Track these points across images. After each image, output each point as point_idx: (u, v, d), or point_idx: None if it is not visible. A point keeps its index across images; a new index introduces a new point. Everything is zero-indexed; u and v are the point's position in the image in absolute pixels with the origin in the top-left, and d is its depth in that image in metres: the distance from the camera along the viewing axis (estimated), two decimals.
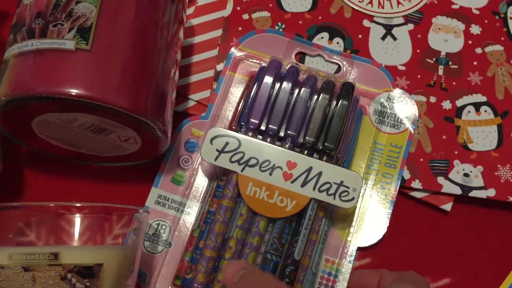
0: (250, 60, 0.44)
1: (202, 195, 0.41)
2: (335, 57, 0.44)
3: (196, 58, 0.46)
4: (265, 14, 0.46)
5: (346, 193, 0.37)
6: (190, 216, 0.40)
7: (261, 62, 0.44)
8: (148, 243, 0.40)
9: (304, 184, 0.37)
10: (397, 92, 0.43)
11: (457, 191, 0.42)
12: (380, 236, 0.40)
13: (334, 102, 0.40)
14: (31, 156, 0.43)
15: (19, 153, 0.44)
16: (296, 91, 0.41)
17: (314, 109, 0.40)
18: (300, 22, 0.46)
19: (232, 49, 0.44)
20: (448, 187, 0.42)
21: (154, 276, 0.39)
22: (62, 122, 0.36)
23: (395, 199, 0.41)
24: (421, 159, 0.42)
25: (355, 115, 0.41)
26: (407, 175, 0.42)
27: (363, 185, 0.41)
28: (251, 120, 0.40)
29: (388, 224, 0.40)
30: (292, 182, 0.38)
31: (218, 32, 0.46)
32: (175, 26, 0.39)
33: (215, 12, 0.47)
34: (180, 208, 0.40)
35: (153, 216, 0.40)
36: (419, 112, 0.44)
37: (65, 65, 0.33)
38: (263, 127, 0.40)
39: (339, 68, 0.44)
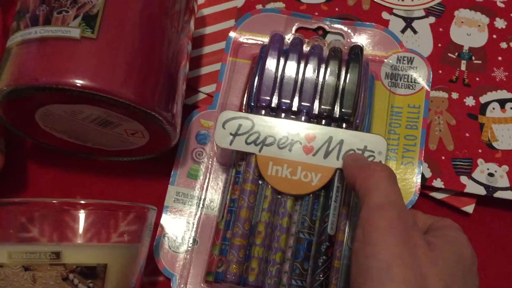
0: (250, 42, 0.43)
1: (222, 186, 0.39)
2: (337, 26, 0.43)
3: (207, 49, 0.44)
4: (280, 5, 0.45)
5: (372, 158, 0.36)
6: (212, 209, 0.39)
7: (263, 42, 0.42)
8: (173, 243, 0.38)
9: (326, 155, 0.36)
10: (406, 52, 0.42)
11: (481, 191, 0.40)
12: (415, 199, 0.38)
13: (344, 68, 0.39)
14: (36, 150, 0.42)
15: (23, 146, 0.42)
16: (303, 62, 0.40)
17: (325, 78, 0.39)
18: (316, 13, 0.44)
19: (230, 34, 0.43)
20: (471, 187, 0.40)
21: (183, 277, 0.38)
22: (67, 114, 0.34)
23: (422, 160, 0.39)
24: (443, 157, 0.41)
25: (367, 80, 0.40)
26: (428, 173, 0.40)
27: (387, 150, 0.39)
28: (262, 97, 0.38)
29: (419, 186, 0.39)
30: (313, 155, 0.36)
31: (230, 23, 0.45)
32: (186, 15, 0.38)
33: (228, 2, 0.45)
34: (201, 202, 0.39)
35: (174, 214, 0.39)
36: (440, 109, 0.42)
37: (69, 54, 0.31)
38: (274, 103, 0.39)
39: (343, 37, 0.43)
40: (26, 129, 0.37)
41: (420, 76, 0.41)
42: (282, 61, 0.39)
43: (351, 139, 0.36)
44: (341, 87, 0.39)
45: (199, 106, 0.42)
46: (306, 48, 0.41)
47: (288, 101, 0.38)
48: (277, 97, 0.39)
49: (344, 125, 0.38)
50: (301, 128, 0.37)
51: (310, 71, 0.39)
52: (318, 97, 0.39)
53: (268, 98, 0.39)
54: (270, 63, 0.39)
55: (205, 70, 0.43)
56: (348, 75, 0.39)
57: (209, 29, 0.45)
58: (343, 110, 0.38)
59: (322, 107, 0.38)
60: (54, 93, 0.32)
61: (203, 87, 0.43)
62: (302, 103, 0.39)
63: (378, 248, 0.27)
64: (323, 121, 0.38)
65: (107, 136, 0.37)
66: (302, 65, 0.40)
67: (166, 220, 0.39)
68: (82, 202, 0.31)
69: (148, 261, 0.36)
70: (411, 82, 0.41)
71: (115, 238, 0.33)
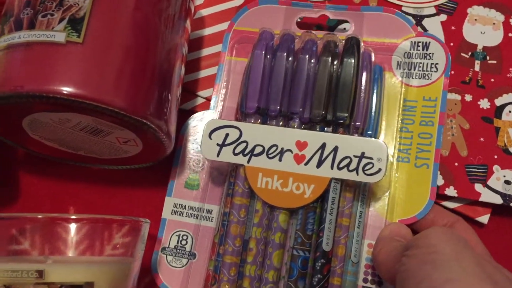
0: (248, 39, 0.39)
1: (220, 196, 0.37)
2: (341, 13, 0.39)
3: (205, 51, 0.42)
4: None
5: (370, 165, 0.33)
6: (211, 221, 0.37)
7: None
8: (171, 257, 0.36)
9: (319, 164, 0.33)
10: (420, 37, 0.38)
11: (497, 200, 0.38)
12: (430, 205, 0.35)
13: (338, 65, 0.35)
14: (27, 158, 0.41)
15: (14, 154, 0.41)
16: (295, 61, 0.36)
17: (316, 78, 0.35)
18: None
19: (227, 32, 0.40)
20: (487, 196, 0.38)
21: None
22: (55, 123, 0.33)
23: (438, 162, 0.35)
24: (456, 164, 0.38)
25: (369, 74, 0.36)
26: (440, 181, 0.38)
27: (395, 152, 0.36)
28: (248, 104, 0.36)
29: (436, 191, 0.35)
30: (305, 164, 0.33)
31: None
32: (182, 16, 0.36)
33: (226, 2, 0.43)
34: (200, 214, 0.37)
35: (172, 227, 0.37)
36: (453, 112, 0.39)
37: (55, 60, 0.30)
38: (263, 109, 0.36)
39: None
40: (14, 137, 0.36)
41: (437, 64, 0.37)
42: (271, 62, 0.36)
43: (347, 145, 0.33)
44: (334, 86, 0.35)
45: (197, 111, 0.41)
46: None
47: (277, 107, 0.35)
48: (264, 103, 0.36)
49: (341, 129, 0.35)
50: (291, 135, 0.34)
51: (300, 71, 0.36)
52: (310, 99, 0.35)
53: (256, 104, 0.36)
54: (256, 65, 0.36)
55: (204, 73, 0.42)
56: (342, 72, 0.35)
57: (208, 30, 0.43)
58: (337, 113, 0.35)
59: (314, 111, 0.35)
60: (39, 101, 0.30)
61: (201, 91, 0.41)
62: (293, 108, 0.35)
63: (439, 247, 0.28)
64: (317, 126, 0.35)
65: (99, 144, 0.35)
66: (293, 65, 0.36)
67: (164, 233, 0.37)
68: (73, 217, 0.30)
69: (143, 275, 0.34)
70: (427, 71, 0.37)
71: (109, 250, 0.31)
